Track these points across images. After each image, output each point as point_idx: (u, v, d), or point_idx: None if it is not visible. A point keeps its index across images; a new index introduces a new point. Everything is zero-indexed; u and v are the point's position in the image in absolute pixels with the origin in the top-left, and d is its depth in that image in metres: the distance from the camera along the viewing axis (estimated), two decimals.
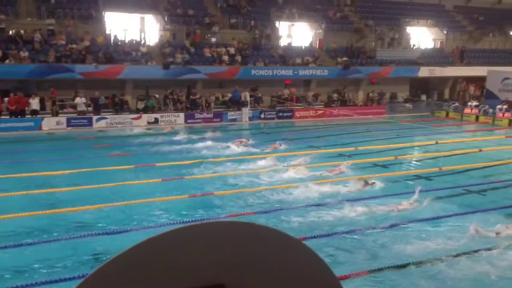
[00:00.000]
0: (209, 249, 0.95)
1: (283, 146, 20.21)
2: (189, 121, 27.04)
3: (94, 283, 0.89)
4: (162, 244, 0.92)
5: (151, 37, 30.96)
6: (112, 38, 28.90)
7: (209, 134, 22.61)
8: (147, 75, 27.30)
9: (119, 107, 26.70)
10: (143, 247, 0.91)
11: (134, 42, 29.45)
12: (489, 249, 10.13)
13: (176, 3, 31.90)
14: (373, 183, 14.75)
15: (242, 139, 21.45)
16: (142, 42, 29.81)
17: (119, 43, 28.86)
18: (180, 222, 11.18)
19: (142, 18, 31.28)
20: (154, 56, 28.47)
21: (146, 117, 26.31)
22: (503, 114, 29.29)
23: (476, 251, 10.07)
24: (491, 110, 30.21)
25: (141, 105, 26.91)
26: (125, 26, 30.38)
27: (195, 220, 11.15)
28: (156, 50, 29.33)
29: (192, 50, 29.41)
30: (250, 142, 21.04)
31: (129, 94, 27.71)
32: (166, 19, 30.98)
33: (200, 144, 20.62)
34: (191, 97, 28.15)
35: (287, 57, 31.59)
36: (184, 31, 30.63)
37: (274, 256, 1.00)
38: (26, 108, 24.39)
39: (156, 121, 26.40)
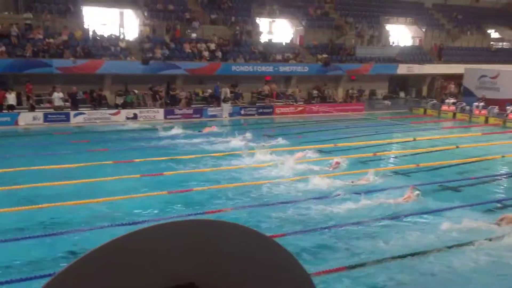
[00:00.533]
0: (179, 248, 0.94)
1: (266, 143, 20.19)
2: (168, 116, 26.91)
3: (64, 281, 0.88)
4: (131, 243, 0.91)
5: (130, 32, 30.67)
6: (90, 33, 28.55)
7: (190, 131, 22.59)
8: (126, 70, 27.05)
9: (97, 102, 26.43)
10: (111, 246, 0.90)
11: (113, 37, 29.14)
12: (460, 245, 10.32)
13: None
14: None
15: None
16: (121, 37, 29.50)
17: (98, 37, 28.51)
18: (158, 219, 11.13)
19: (121, 13, 30.93)
20: (133, 51, 28.22)
21: (125, 113, 26.09)
22: (480, 111, 29.76)
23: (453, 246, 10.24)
24: (468, 107, 30.67)
25: (119, 101, 26.68)
26: (103, 21, 30.05)
27: (172, 217, 11.13)
28: (136, 45, 29.07)
29: (172, 45, 29.23)
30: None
31: (108, 89, 27.44)
32: (145, 14, 30.71)
33: (182, 140, 20.56)
34: (171, 92, 28.01)
35: (268, 53, 31.60)
36: (164, 26, 30.42)
37: (246, 254, 1.00)
38: (3, 103, 23.98)
39: (135, 116, 26.22)
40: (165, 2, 31.56)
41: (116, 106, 26.46)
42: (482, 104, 30.07)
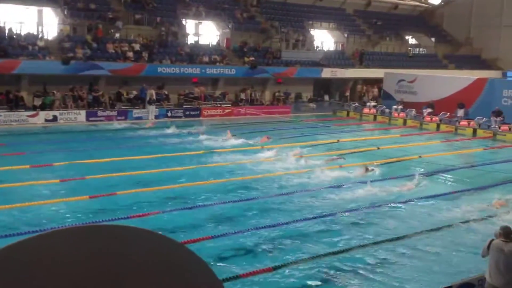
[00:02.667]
0: (85, 253, 0.84)
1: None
2: (91, 118, 25.99)
3: None
4: (34, 249, 0.80)
5: (49, 31, 29.37)
6: (6, 31, 27.04)
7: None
8: (45, 70, 25.82)
9: (14, 104, 25.07)
10: (9, 251, 0.78)
11: (31, 35, 27.75)
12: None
13: None
14: (373, 169, 16.71)
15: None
16: (40, 36, 28.17)
17: (14, 36, 27.08)
18: (80, 224, 10.63)
19: (40, 11, 29.54)
20: (52, 51, 27.02)
21: (43, 115, 24.90)
22: (399, 114, 31.12)
23: None
24: (387, 110, 31.98)
25: (38, 102, 25.42)
26: (21, 19, 28.56)
27: (91, 222, 10.70)
28: (55, 44, 27.85)
29: (94, 45, 28.27)
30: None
31: (25, 90, 26.11)
32: (66, 13, 29.52)
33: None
34: (93, 94, 27.08)
35: (194, 55, 31.35)
36: (85, 25, 29.35)
37: (154, 259, 0.92)
38: None
39: (55, 118, 25.09)
40: (87, 1, 30.50)
41: (34, 108, 25.19)
42: (400, 107, 31.46)
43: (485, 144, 24.49)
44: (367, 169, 16.67)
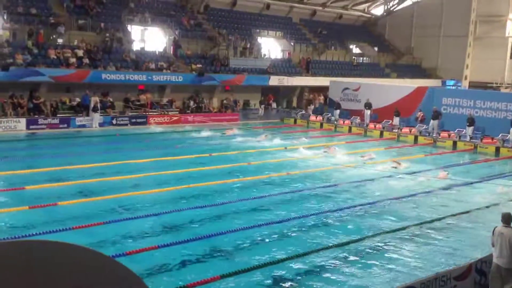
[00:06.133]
0: (10, 268, 0.78)
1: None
2: (32, 127, 25.04)
3: None
4: None
5: None
6: None
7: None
8: None
9: None
10: None
11: None
12: None
13: (17, 1, 29.41)
14: (400, 163, 20.06)
15: None
16: None
17: None
18: (12, 237, 10.19)
19: None
20: None
21: None
22: (344, 122, 31.77)
23: None
24: (333, 118, 32.60)
25: None
26: None
27: (27, 235, 10.32)
28: None
29: (35, 51, 27.31)
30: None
31: None
32: (5, 18, 28.36)
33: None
34: (34, 101, 26.13)
35: (140, 61, 30.85)
36: (26, 30, 28.29)
37: (84, 275, 0.87)
38: None
39: None
40: (27, 5, 29.46)
41: None
42: (338, 111, 32.50)
43: (425, 151, 25.34)
44: (398, 164, 19.90)
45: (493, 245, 8.22)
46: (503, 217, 8.21)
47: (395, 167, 19.49)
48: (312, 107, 37.42)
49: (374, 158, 21.49)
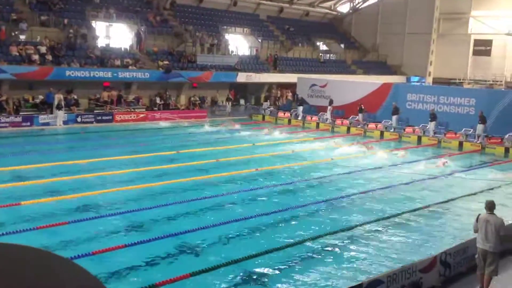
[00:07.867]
0: None
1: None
2: None
3: None
4: None
5: None
6: None
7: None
8: None
9: None
10: None
11: None
12: None
13: None
14: (372, 147, 23.03)
15: None
16: None
17: None
18: None
19: None
20: None
21: None
22: (311, 118, 31.99)
23: None
24: (296, 114, 32.83)
25: None
26: None
27: None
28: None
29: None
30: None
31: None
32: None
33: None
34: None
35: (105, 58, 30.32)
36: None
37: (41, 277, 0.84)
38: None
39: None
40: None
41: None
42: (301, 107, 32.82)
43: (391, 146, 25.75)
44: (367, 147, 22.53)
45: (475, 231, 8.64)
46: (487, 205, 8.61)
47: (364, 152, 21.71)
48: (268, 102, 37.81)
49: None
